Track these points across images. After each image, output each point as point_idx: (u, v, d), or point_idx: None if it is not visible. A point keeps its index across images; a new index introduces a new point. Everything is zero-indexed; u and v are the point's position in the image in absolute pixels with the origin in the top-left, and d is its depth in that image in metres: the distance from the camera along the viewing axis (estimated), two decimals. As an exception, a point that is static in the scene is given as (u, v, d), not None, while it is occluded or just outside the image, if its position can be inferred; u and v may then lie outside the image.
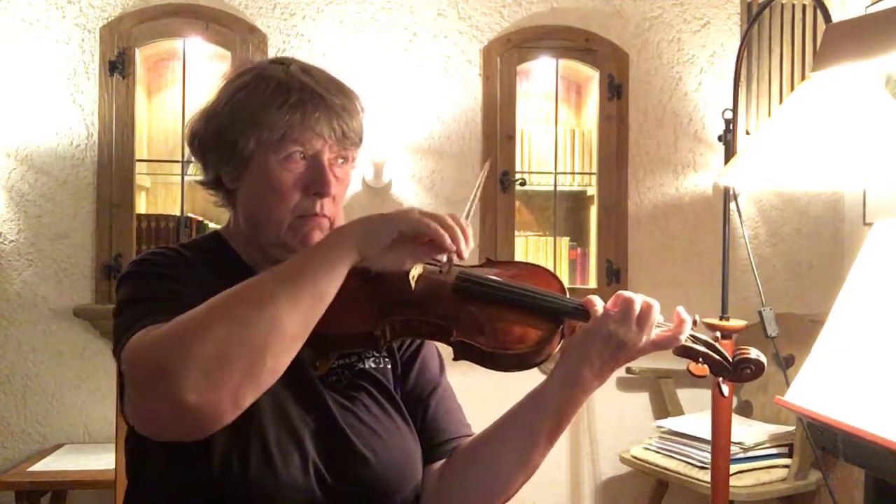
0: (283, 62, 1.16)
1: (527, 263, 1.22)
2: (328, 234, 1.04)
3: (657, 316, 1.07)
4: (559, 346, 1.10)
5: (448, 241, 0.98)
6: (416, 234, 0.99)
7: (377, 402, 1.17)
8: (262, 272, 0.99)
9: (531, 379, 1.20)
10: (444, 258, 1.01)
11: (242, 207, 1.17)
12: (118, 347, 0.98)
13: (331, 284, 0.97)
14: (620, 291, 1.08)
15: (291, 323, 0.93)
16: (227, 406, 0.90)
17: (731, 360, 1.11)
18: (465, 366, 1.07)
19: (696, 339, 1.11)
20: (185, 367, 0.87)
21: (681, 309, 1.09)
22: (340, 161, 1.15)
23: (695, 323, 1.11)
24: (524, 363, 1.07)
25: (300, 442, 1.07)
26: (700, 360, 1.10)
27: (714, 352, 1.11)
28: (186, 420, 0.89)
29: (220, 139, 1.13)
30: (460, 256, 1.00)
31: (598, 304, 1.08)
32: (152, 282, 1.07)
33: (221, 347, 0.88)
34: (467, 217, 1.08)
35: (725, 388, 1.13)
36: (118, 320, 1.04)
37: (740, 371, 1.10)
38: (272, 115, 1.09)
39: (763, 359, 1.11)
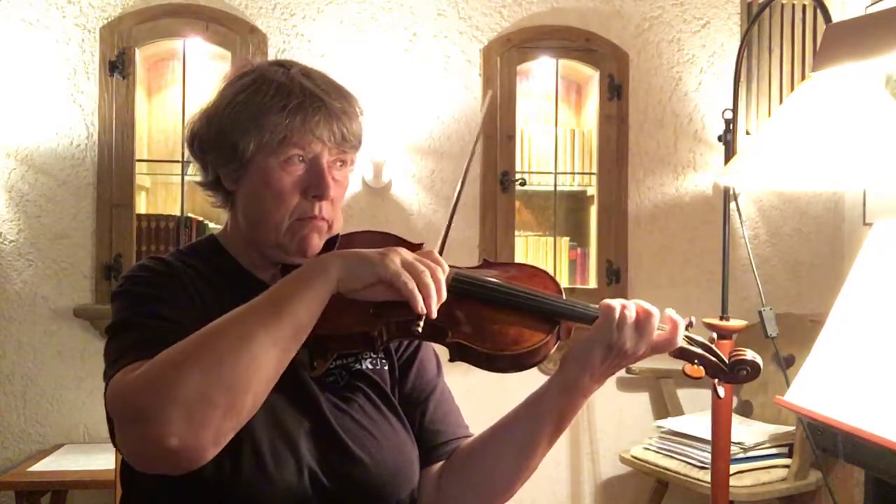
0: (284, 65, 1.16)
1: (524, 265, 1.21)
2: (307, 265, 1.01)
3: (657, 323, 1.07)
4: (555, 346, 1.09)
5: (420, 306, 0.97)
6: (391, 285, 0.98)
7: (373, 403, 1.17)
8: (239, 307, 0.97)
9: (530, 380, 1.20)
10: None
11: (241, 209, 1.17)
12: (105, 379, 0.98)
13: (311, 320, 0.97)
14: (621, 301, 1.08)
15: (271, 360, 0.93)
16: (208, 445, 0.90)
17: (727, 361, 1.11)
18: (464, 366, 1.07)
19: (691, 341, 1.11)
20: (165, 412, 0.87)
21: (671, 312, 1.09)
22: (339, 164, 1.15)
23: (691, 325, 1.11)
24: (520, 364, 1.07)
25: (294, 444, 1.07)
26: (696, 361, 1.10)
27: (710, 353, 1.11)
28: (168, 460, 0.90)
29: (221, 140, 1.13)
30: (429, 317, 0.98)
31: (617, 309, 1.06)
32: (143, 305, 1.06)
33: (203, 391, 0.88)
34: (443, 246, 1.10)
35: (721, 390, 1.12)
36: (107, 347, 1.04)
37: (736, 373, 1.10)
38: (272, 119, 1.09)
39: (759, 360, 1.10)
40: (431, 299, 0.98)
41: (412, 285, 0.97)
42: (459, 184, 1.21)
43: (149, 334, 1.00)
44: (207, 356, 0.90)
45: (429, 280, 0.98)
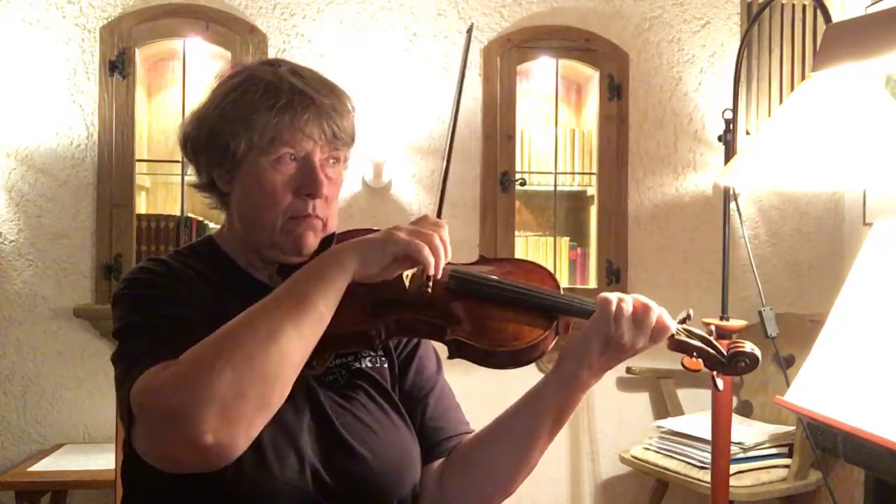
0: (274, 63, 1.16)
1: (520, 260, 1.22)
2: (321, 258, 1.03)
3: (655, 317, 1.07)
4: (554, 342, 1.10)
5: (432, 267, 1.01)
6: (406, 256, 1.01)
7: (374, 401, 1.17)
8: (258, 302, 0.98)
9: (531, 377, 1.20)
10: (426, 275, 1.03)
11: (236, 209, 1.17)
12: (124, 382, 0.98)
13: (331, 310, 0.99)
14: (618, 294, 1.08)
15: (298, 351, 0.96)
16: (242, 439, 0.91)
17: (725, 353, 1.11)
18: (465, 365, 1.07)
19: (690, 334, 1.11)
20: (201, 410, 0.88)
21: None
22: (332, 161, 1.15)
23: (689, 317, 1.12)
24: (519, 360, 1.07)
25: (296, 443, 1.07)
26: (694, 354, 1.10)
27: (708, 345, 1.11)
28: (203, 458, 0.90)
29: (212, 142, 1.13)
30: (437, 275, 1.02)
31: (614, 303, 1.07)
32: (149, 306, 1.07)
33: (235, 387, 0.89)
34: (439, 211, 1.11)
35: (720, 382, 1.12)
36: (120, 350, 1.04)
37: (735, 364, 1.10)
38: (262, 118, 1.09)
39: (758, 352, 1.11)
40: (441, 259, 1.02)
41: (426, 251, 1.00)
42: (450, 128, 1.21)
43: (163, 334, 1.01)
44: (237, 352, 0.91)
45: (437, 242, 1.02)
